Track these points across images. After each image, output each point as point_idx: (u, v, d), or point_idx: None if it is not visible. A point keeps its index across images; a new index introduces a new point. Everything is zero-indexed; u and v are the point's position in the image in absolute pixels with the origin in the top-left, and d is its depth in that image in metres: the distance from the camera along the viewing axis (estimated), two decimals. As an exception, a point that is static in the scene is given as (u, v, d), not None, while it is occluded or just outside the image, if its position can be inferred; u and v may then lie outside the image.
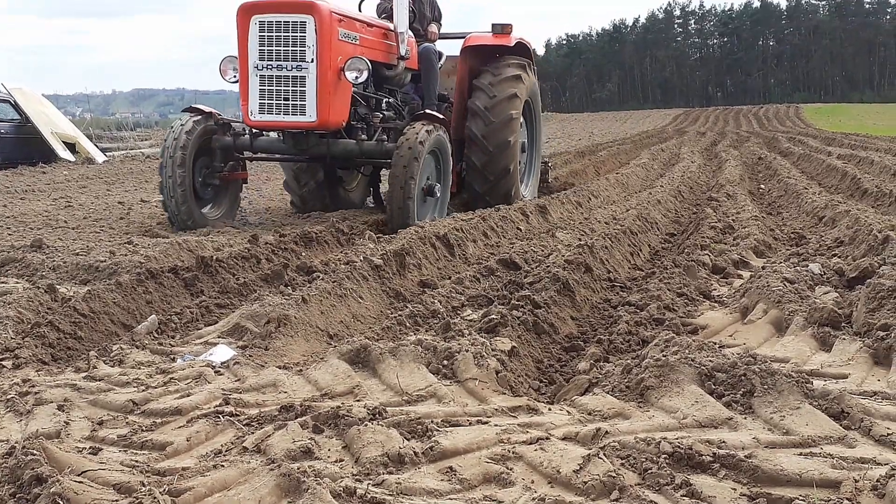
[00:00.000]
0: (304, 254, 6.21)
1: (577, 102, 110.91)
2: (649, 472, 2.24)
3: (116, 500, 2.13)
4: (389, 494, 2.18)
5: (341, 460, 2.43)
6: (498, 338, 3.62)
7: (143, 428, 2.80)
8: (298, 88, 7.59)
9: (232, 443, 2.59)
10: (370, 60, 7.90)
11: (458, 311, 4.48)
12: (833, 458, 2.35)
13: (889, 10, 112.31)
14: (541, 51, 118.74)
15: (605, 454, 2.33)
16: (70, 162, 17.29)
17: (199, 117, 8.03)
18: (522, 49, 9.84)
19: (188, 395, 3.06)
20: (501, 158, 9.08)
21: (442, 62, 9.57)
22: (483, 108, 9.06)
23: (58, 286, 4.77)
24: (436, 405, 2.92)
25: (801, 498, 2.14)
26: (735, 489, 2.20)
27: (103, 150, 20.15)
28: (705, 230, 7.10)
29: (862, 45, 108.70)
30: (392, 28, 8.58)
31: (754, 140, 26.92)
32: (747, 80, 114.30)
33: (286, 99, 7.62)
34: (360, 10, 9.01)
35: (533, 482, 2.28)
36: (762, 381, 2.81)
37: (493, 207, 8.29)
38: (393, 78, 8.81)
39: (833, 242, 6.14)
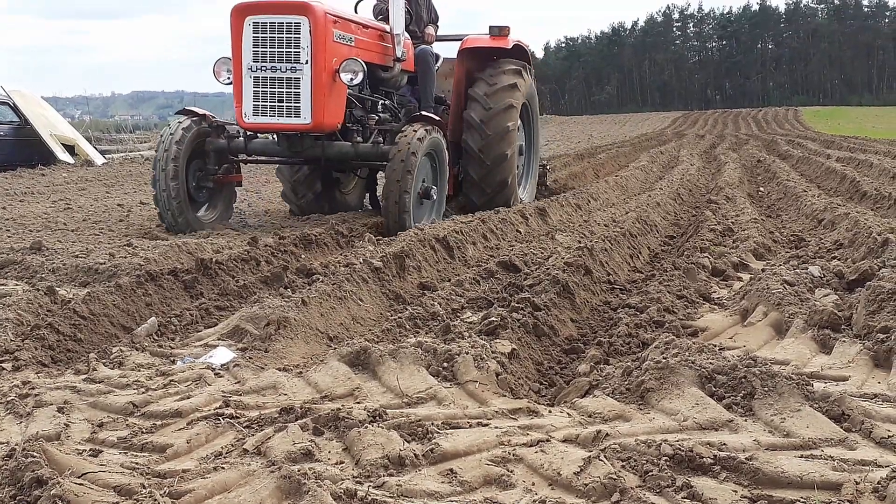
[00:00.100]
0: (303, 256, 6.21)
1: (575, 105, 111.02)
2: (650, 474, 2.24)
3: (117, 503, 2.13)
4: (390, 497, 2.18)
5: (342, 462, 2.43)
6: (498, 340, 3.62)
7: (144, 430, 2.80)
8: (293, 90, 7.53)
9: (232, 445, 2.59)
10: (366, 62, 7.84)
11: (458, 314, 4.48)
12: (834, 461, 2.35)
13: (888, 14, 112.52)
14: (540, 54, 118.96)
15: (605, 456, 2.33)
16: (69, 164, 17.29)
17: (193, 120, 7.96)
18: (520, 51, 9.78)
19: (188, 398, 3.05)
20: (499, 171, 9.00)
21: (439, 64, 9.49)
22: (479, 121, 8.96)
23: (57, 288, 4.77)
24: (436, 407, 2.92)
25: (801, 500, 2.14)
26: (736, 491, 2.20)
27: (102, 153, 20.15)
28: (705, 233, 7.11)
29: (860, 49, 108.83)
30: (388, 30, 8.54)
31: (753, 143, 26.94)
32: (746, 83, 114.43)
33: (280, 101, 7.57)
34: (356, 12, 8.97)
35: (534, 484, 2.28)
36: (762, 384, 2.81)
37: (492, 209, 8.29)
38: (389, 80, 8.76)
39: (833, 245, 6.14)
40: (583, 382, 3.26)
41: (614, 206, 9.62)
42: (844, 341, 3.60)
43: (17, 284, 5.15)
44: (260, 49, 7.52)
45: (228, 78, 7.77)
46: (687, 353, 3.14)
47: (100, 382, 3.28)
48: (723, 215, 8.35)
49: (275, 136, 8.09)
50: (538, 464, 2.36)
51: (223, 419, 2.77)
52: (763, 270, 5.06)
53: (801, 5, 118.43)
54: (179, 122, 7.90)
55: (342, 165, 8.99)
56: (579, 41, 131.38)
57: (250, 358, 3.57)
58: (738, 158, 18.92)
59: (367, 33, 8.31)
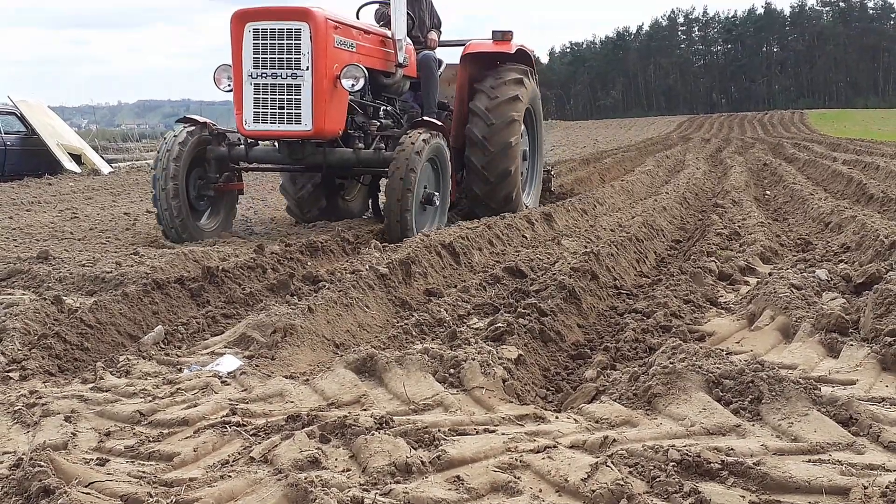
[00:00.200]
0: (309, 263, 6.21)
1: (581, 110, 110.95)
2: (657, 479, 2.24)
3: (124, 512, 2.13)
4: (397, 504, 2.18)
5: (348, 470, 2.43)
6: (504, 346, 3.62)
7: (150, 439, 2.80)
8: (293, 97, 7.48)
9: (239, 453, 2.58)
10: (367, 68, 7.80)
11: (465, 320, 4.48)
12: (842, 465, 2.34)
13: (893, 16, 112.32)
14: (544, 59, 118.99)
15: (612, 462, 2.33)
16: (76, 173, 17.36)
17: (194, 128, 7.89)
18: (523, 56, 9.77)
19: (195, 406, 3.06)
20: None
21: (442, 70, 9.47)
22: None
23: (64, 297, 4.78)
24: (443, 414, 2.91)
25: (810, 505, 2.13)
26: (744, 497, 2.19)
27: (109, 162, 20.22)
28: (711, 237, 7.10)
29: (866, 51, 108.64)
30: (390, 35, 8.49)
31: (759, 146, 26.90)
32: (751, 86, 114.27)
33: (281, 108, 7.51)
34: (357, 17, 8.93)
35: (541, 491, 2.27)
36: (770, 388, 2.80)
37: (498, 215, 8.28)
38: (391, 86, 8.72)
39: (840, 248, 6.12)
40: (590, 388, 3.25)
41: (620, 211, 9.61)
42: (852, 345, 3.59)
43: (24, 294, 5.16)
44: (260, 55, 7.47)
45: (229, 85, 7.72)
46: (694, 358, 3.13)
47: (107, 391, 3.29)
48: (729, 219, 8.33)
49: (276, 144, 8.03)
50: (545, 470, 2.35)
51: (230, 427, 2.77)
52: (770, 274, 5.04)
53: (806, 8, 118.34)
54: (180, 130, 7.84)
55: (344, 172, 8.94)
56: (584, 46, 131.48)
57: (257, 366, 3.58)
58: (744, 162, 18.89)
59: (368, 39, 8.26)
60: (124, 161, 22.43)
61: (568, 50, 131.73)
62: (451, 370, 3.22)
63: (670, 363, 3.06)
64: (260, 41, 7.47)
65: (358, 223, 8.74)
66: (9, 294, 5.14)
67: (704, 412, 2.74)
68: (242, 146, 8.04)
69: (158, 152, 7.87)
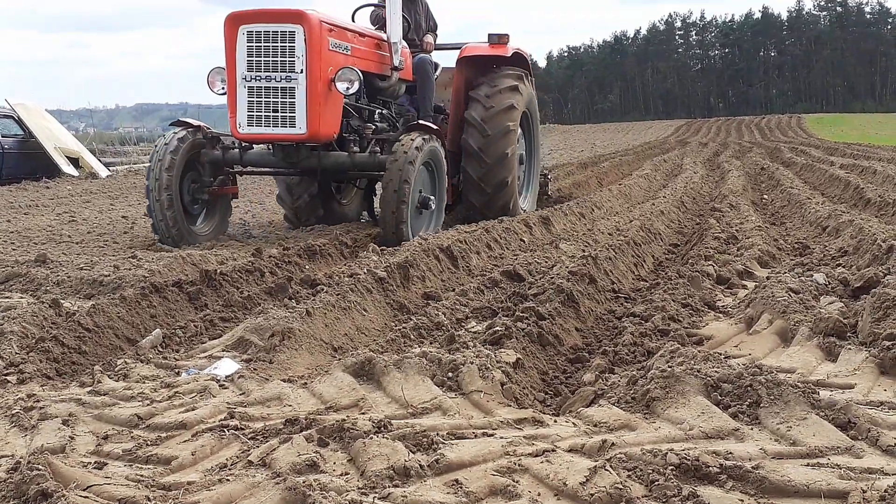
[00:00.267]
0: (307, 267, 6.21)
1: (578, 114, 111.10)
2: (656, 483, 2.24)
3: (122, 515, 2.13)
4: (395, 508, 2.17)
5: (347, 474, 2.42)
6: (503, 350, 3.62)
7: (148, 442, 2.80)
8: (287, 100, 7.42)
9: (237, 456, 2.58)
10: (362, 71, 7.74)
11: (463, 324, 4.48)
12: (840, 469, 2.34)
13: (890, 20, 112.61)
14: (542, 63, 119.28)
15: (611, 466, 2.33)
16: (73, 177, 17.34)
17: (186, 132, 7.82)
18: (520, 59, 9.75)
19: (193, 409, 3.05)
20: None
21: (438, 73, 9.42)
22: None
23: (62, 301, 4.77)
24: (441, 418, 2.91)
25: (809, 509, 2.13)
26: (742, 500, 2.19)
27: (107, 165, 20.20)
28: (709, 241, 7.10)
29: (863, 55, 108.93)
30: (385, 38, 8.45)
31: (756, 150, 26.94)
32: (749, 90, 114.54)
33: (275, 111, 7.44)
34: (353, 20, 8.86)
35: (539, 495, 2.27)
36: (768, 392, 2.80)
37: (496, 219, 8.26)
38: (386, 89, 8.67)
39: (837, 252, 6.13)
40: (588, 392, 3.25)
41: (618, 215, 9.62)
42: (850, 349, 3.59)
43: (21, 297, 5.16)
44: (254, 58, 7.41)
45: (223, 88, 7.65)
46: (692, 362, 3.13)
47: (104, 395, 3.28)
48: (727, 223, 8.34)
49: (270, 147, 7.95)
50: (544, 474, 2.35)
51: (228, 431, 2.77)
52: (768, 278, 5.04)
53: (804, 12, 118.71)
54: (171, 138, 7.76)
55: (339, 176, 8.88)
56: (582, 50, 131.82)
57: (255, 369, 3.57)
58: (741, 166, 18.92)
59: (363, 42, 8.21)
60: (122, 164, 22.41)
61: (566, 54, 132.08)
62: (450, 374, 3.22)
63: (668, 367, 3.06)
64: (254, 44, 7.41)
65: (356, 227, 8.74)
66: (6, 297, 5.13)
67: (703, 416, 2.74)
68: (237, 150, 7.97)
69: (151, 161, 7.79)
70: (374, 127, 8.27)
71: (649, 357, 3.62)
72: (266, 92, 7.46)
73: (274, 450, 2.54)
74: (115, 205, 12.16)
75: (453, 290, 5.45)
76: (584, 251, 6.19)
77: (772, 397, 2.77)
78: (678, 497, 2.17)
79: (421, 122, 8.29)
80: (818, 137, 39.64)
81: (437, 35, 9.70)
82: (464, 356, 3.36)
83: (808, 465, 2.39)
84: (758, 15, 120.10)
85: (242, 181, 12.97)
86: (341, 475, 2.41)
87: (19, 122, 17.41)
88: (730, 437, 2.62)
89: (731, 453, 2.45)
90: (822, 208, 8.91)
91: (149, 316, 4.57)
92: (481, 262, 6.51)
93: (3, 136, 17.09)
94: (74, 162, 18.26)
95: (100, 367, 3.75)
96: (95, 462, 2.59)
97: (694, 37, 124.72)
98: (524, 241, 7.61)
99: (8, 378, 3.52)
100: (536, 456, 2.48)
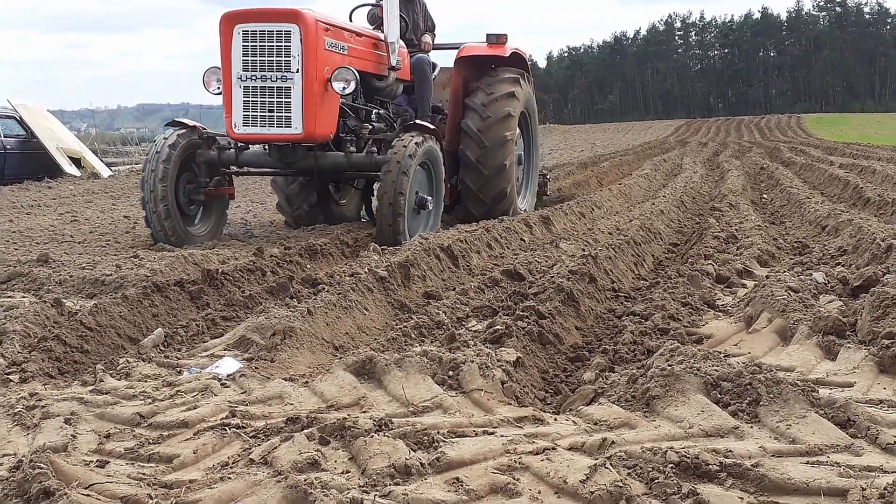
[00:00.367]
0: (309, 266, 6.22)
1: (578, 114, 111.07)
2: (656, 481, 2.25)
3: (125, 513, 2.14)
4: (397, 505, 2.18)
5: (348, 472, 2.43)
6: (503, 348, 3.63)
7: (150, 441, 2.81)
8: (283, 100, 7.36)
9: (239, 455, 2.59)
10: (359, 71, 7.70)
11: (463, 322, 4.49)
12: (840, 467, 2.35)
13: (889, 21, 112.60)
14: (542, 63, 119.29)
15: (611, 464, 2.34)
16: (75, 177, 17.36)
17: (183, 131, 7.77)
18: (518, 59, 9.71)
19: (195, 408, 3.06)
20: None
21: (436, 73, 9.39)
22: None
23: (64, 300, 4.78)
24: (442, 416, 2.92)
25: (808, 506, 2.14)
26: (742, 498, 2.20)
27: (108, 165, 20.24)
28: (708, 240, 7.11)
29: (862, 55, 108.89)
30: (383, 38, 8.41)
31: (756, 150, 26.94)
32: (748, 90, 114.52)
33: (271, 111, 7.39)
34: (350, 19, 8.82)
35: (539, 492, 2.28)
36: (768, 390, 2.81)
37: (496, 219, 8.26)
38: (384, 89, 8.62)
39: (836, 251, 6.14)
40: (588, 390, 3.26)
41: (618, 215, 9.63)
42: (849, 347, 3.60)
43: (24, 296, 5.17)
44: (250, 58, 7.35)
45: (218, 88, 7.59)
46: (692, 361, 3.14)
47: (106, 393, 3.29)
48: (726, 222, 8.34)
49: (266, 147, 7.90)
50: (544, 472, 2.36)
51: (229, 429, 2.78)
52: (767, 277, 5.05)
53: (803, 13, 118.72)
54: (170, 134, 7.72)
55: (336, 176, 8.82)
56: (582, 50, 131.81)
57: (256, 368, 3.58)
58: (741, 166, 18.93)
59: (360, 41, 8.16)
60: (124, 165, 22.42)
61: (566, 54, 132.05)
62: (450, 372, 3.23)
63: (668, 365, 3.07)
64: (249, 43, 7.35)
65: (357, 226, 8.75)
66: (9, 297, 5.15)
67: (703, 414, 2.75)
68: (232, 150, 7.91)
69: (147, 156, 7.74)
70: (370, 127, 8.22)
71: (649, 356, 3.63)
72: (262, 92, 7.40)
73: (275, 448, 2.55)
74: (117, 205, 12.18)
75: (454, 289, 5.46)
76: (584, 250, 6.20)
77: (771, 395, 2.78)
78: (678, 495, 2.18)
79: (418, 122, 8.23)
80: (817, 137, 39.65)
81: (435, 35, 9.66)
82: (464, 355, 3.37)
83: (807, 462, 2.40)
84: (757, 15, 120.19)
85: (243, 181, 12.97)
86: (342, 473, 2.42)
87: (21, 122, 17.43)
88: (729, 436, 2.63)
89: (730, 451, 2.46)
90: (822, 208, 8.91)
91: (150, 315, 4.58)
92: (482, 262, 6.52)
93: (5, 137, 17.10)
94: (76, 162, 18.29)
95: (102, 366, 3.76)
96: (97, 460, 2.60)
97: (693, 37, 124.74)
98: (524, 241, 7.62)
99: (10, 377, 3.53)
100: (537, 454, 2.49)
